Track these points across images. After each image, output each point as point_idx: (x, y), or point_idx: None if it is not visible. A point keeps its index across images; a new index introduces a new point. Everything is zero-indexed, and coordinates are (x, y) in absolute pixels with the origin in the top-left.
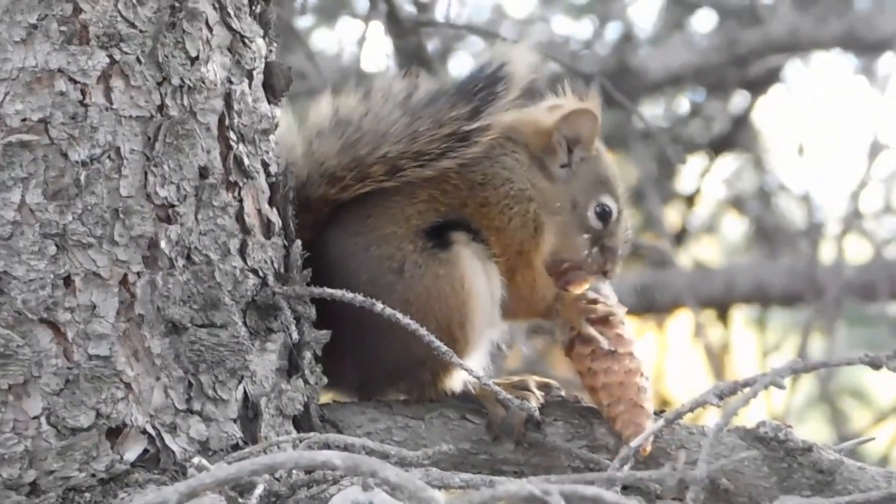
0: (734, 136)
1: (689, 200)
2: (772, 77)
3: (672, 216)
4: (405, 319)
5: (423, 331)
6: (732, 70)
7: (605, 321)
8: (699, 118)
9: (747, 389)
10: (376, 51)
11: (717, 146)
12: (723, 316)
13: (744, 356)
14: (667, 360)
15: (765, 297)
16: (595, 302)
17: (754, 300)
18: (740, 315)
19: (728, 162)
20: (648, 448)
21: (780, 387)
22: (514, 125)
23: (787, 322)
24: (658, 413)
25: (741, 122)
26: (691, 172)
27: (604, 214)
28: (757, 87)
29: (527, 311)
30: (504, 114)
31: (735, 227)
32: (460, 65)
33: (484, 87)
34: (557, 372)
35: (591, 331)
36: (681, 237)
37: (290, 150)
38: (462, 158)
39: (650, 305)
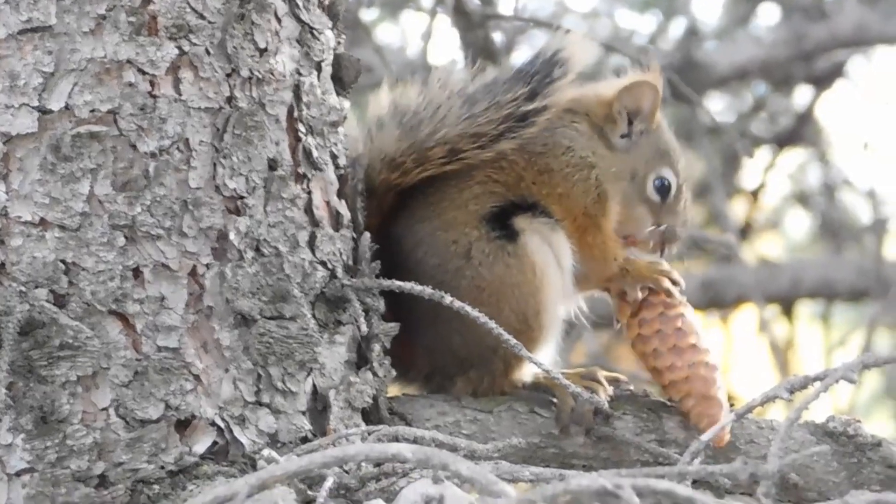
0: (798, 131)
1: (754, 195)
2: (836, 72)
3: (737, 211)
4: (474, 312)
5: (492, 323)
6: (798, 65)
7: (666, 306)
8: (763, 113)
9: (818, 384)
10: (442, 44)
11: (782, 141)
12: (788, 311)
13: (808, 352)
14: (731, 356)
15: (830, 293)
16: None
17: (820, 296)
18: (805, 311)
19: (792, 157)
20: (726, 438)
21: (852, 381)
22: (575, 97)
23: (852, 318)
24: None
25: (805, 118)
26: (756, 167)
27: (662, 188)
28: (821, 81)
29: (599, 274)
30: (562, 94)
31: (799, 222)
32: (522, 58)
33: (540, 71)
34: (623, 367)
35: (668, 284)
36: (745, 232)
37: (354, 144)
38: (521, 139)
39: (715, 300)
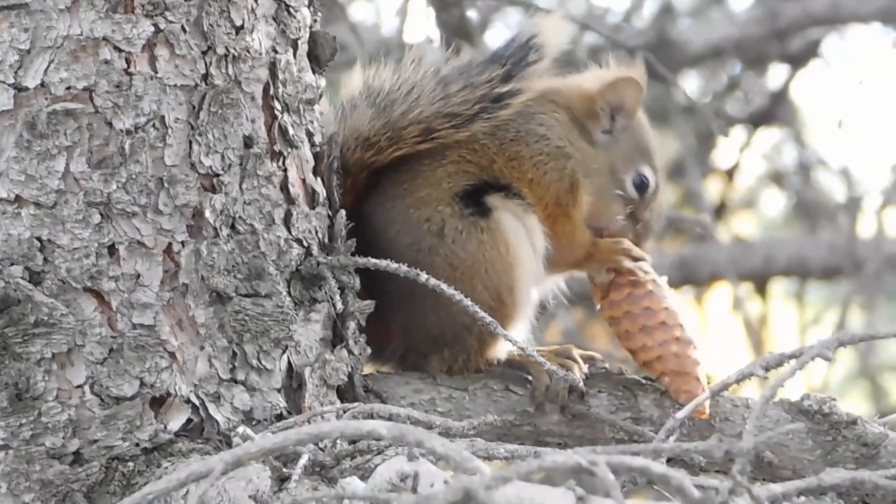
0: (773, 111)
1: (729, 175)
2: (811, 51)
3: (711, 191)
4: (449, 290)
5: (467, 301)
6: (772, 43)
7: (634, 286)
8: (738, 92)
9: (793, 361)
10: (418, 22)
11: (756, 120)
12: (762, 290)
13: (782, 330)
14: (705, 334)
15: (804, 271)
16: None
17: (793, 274)
18: (779, 289)
19: (767, 136)
20: (707, 412)
21: (827, 359)
22: (556, 88)
23: (826, 296)
24: None
25: (780, 97)
26: (730, 147)
27: (641, 185)
28: (796, 61)
29: (568, 259)
30: (538, 80)
31: (774, 201)
32: (497, 37)
33: (515, 55)
34: (597, 345)
35: (630, 264)
36: (720, 212)
37: (329, 122)
38: (495, 120)
39: (689, 279)
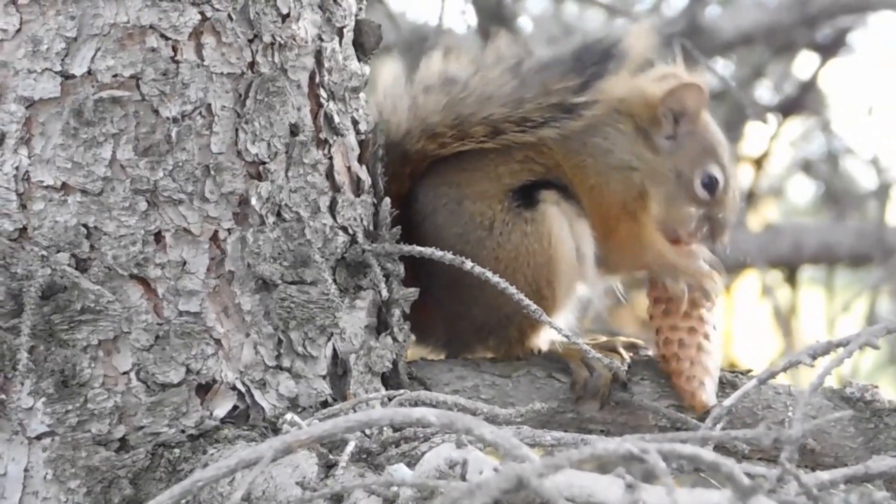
0: (802, 99)
1: (757, 163)
2: (839, 40)
3: (740, 179)
4: (494, 278)
5: (512, 289)
6: (802, 31)
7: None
8: (767, 80)
9: (841, 350)
10: (454, 8)
11: (785, 109)
12: (790, 277)
13: (811, 317)
14: (734, 321)
15: (832, 258)
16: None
17: (822, 261)
18: (808, 276)
19: (796, 125)
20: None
21: (875, 347)
22: (621, 96)
23: (854, 283)
24: (745, 373)
25: (809, 85)
26: (759, 135)
27: (710, 184)
28: (825, 50)
29: (631, 262)
30: (612, 86)
31: (803, 189)
32: (526, 23)
33: (597, 63)
34: (627, 332)
35: (712, 288)
36: (748, 200)
37: (396, 104)
38: (564, 130)
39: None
